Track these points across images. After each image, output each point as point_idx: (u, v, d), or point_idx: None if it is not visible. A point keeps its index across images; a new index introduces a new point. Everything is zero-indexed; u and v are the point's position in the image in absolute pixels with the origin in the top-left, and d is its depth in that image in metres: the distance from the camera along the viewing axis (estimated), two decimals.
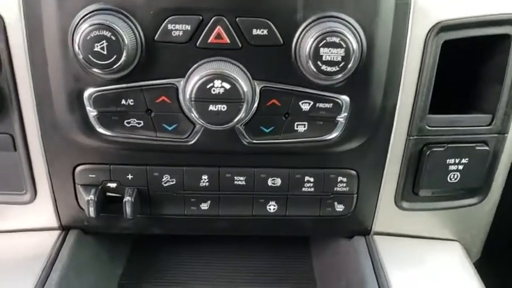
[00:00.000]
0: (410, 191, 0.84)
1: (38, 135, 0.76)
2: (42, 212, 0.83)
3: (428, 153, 0.79)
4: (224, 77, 0.66)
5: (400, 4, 0.70)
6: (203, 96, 0.67)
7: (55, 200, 0.82)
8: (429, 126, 0.78)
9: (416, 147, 0.80)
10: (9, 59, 0.71)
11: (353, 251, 0.86)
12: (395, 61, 0.72)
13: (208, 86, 0.66)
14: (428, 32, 0.72)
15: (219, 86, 0.66)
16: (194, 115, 0.68)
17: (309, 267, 0.99)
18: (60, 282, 0.76)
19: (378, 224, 0.87)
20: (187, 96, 0.67)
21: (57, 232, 0.85)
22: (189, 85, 0.67)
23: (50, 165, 0.79)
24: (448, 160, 0.81)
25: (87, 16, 0.65)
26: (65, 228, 0.85)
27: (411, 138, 0.79)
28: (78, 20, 0.65)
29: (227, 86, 0.66)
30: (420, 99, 0.76)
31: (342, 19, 0.66)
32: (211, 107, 0.68)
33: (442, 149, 0.79)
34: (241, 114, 0.68)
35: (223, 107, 0.68)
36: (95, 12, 0.65)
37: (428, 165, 0.80)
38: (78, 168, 0.79)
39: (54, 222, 0.84)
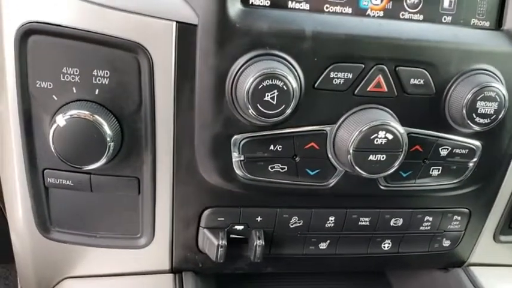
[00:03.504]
0: (507, 225, 0.89)
1: (170, 179, 0.72)
2: (155, 255, 0.78)
3: None
4: (388, 128, 0.66)
5: None
6: (365, 146, 0.66)
7: (172, 244, 0.78)
8: None
9: None
10: (151, 99, 0.66)
11: (454, 283, 0.90)
12: None
13: (372, 137, 0.66)
14: None
15: (382, 137, 0.66)
16: (351, 164, 0.67)
17: None
18: None
19: (473, 256, 0.92)
20: (347, 145, 0.66)
21: (169, 276, 0.80)
22: (349, 134, 0.66)
23: (175, 209, 0.74)
24: None
25: (249, 62, 0.63)
26: (175, 271, 0.81)
27: None
28: (239, 66, 0.63)
29: (390, 136, 0.66)
30: None
31: (490, 71, 0.69)
32: (371, 157, 0.67)
33: None
34: (398, 163, 0.68)
35: (383, 157, 0.68)
36: (256, 59, 0.63)
37: None
38: (206, 212, 0.75)
39: (165, 265, 0.80)
